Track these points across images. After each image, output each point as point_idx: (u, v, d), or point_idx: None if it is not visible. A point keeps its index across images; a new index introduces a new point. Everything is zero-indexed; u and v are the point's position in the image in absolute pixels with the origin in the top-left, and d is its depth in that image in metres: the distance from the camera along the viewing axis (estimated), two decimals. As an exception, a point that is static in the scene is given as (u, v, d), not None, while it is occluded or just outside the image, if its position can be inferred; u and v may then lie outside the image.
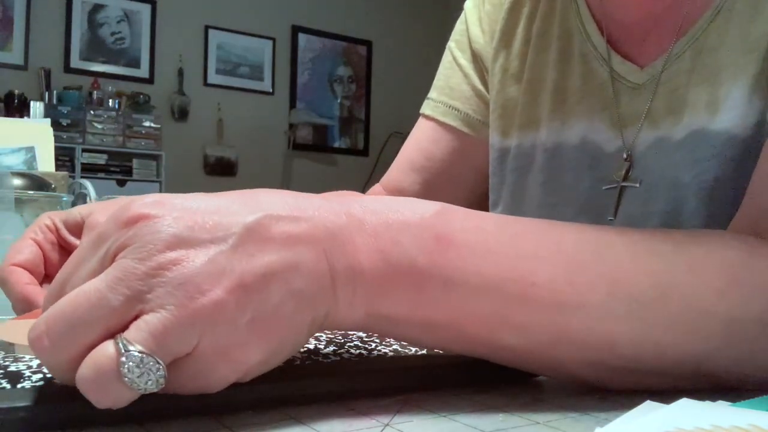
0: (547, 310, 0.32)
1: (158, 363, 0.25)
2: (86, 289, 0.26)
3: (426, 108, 0.72)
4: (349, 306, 0.30)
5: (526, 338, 0.32)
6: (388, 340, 0.42)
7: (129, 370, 0.25)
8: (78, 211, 0.43)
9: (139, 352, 0.25)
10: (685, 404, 0.27)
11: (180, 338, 0.25)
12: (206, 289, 0.26)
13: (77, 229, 0.42)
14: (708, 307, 0.33)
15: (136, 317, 0.25)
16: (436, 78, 0.72)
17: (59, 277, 0.29)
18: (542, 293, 0.32)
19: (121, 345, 0.25)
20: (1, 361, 0.35)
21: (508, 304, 0.31)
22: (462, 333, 0.32)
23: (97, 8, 4.19)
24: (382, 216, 0.31)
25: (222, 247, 0.27)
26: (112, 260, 0.27)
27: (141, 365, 0.25)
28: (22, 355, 0.36)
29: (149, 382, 0.25)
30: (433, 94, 0.72)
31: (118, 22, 4.26)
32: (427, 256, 0.31)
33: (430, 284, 0.31)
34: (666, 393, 0.31)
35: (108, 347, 0.25)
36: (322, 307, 0.29)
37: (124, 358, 0.25)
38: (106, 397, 0.25)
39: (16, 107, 3.75)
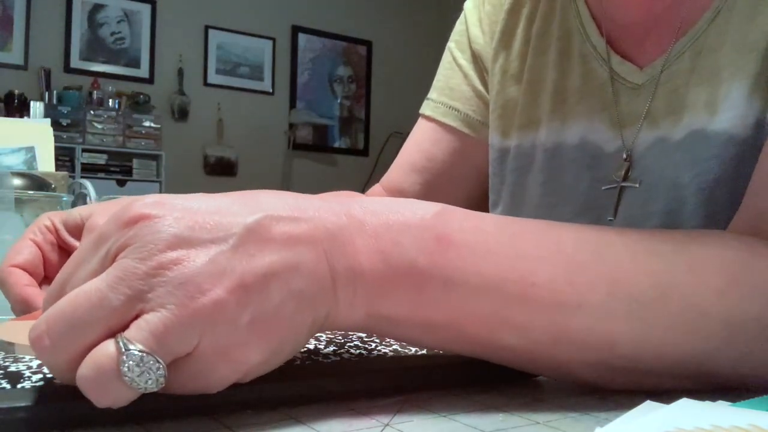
0: (547, 310, 0.32)
1: (158, 362, 0.25)
2: (87, 289, 0.26)
3: (426, 108, 0.72)
4: (350, 307, 0.30)
5: (526, 338, 0.32)
6: (388, 340, 0.42)
7: (129, 369, 0.25)
8: (78, 212, 0.43)
9: (140, 351, 0.25)
10: (685, 404, 0.27)
11: (180, 337, 0.26)
12: (207, 288, 0.26)
13: (77, 230, 0.42)
14: (708, 307, 0.33)
15: (136, 317, 0.26)
16: (435, 78, 0.72)
17: (59, 277, 0.29)
18: (542, 293, 0.32)
19: (121, 344, 0.25)
20: (1, 362, 0.35)
21: (508, 304, 0.31)
22: (462, 333, 0.32)
23: (97, 8, 4.19)
24: (383, 217, 0.31)
25: (222, 247, 0.27)
26: (113, 260, 0.27)
27: (141, 364, 0.25)
28: (22, 356, 0.36)
29: (149, 382, 0.25)
30: (432, 94, 0.72)
31: (118, 22, 4.26)
32: (428, 257, 0.31)
33: (430, 285, 0.31)
34: (666, 393, 0.31)
35: (108, 346, 0.25)
36: (323, 307, 0.29)
37: (124, 357, 0.25)
38: (106, 396, 0.25)
39: (16, 107, 3.75)
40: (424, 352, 0.39)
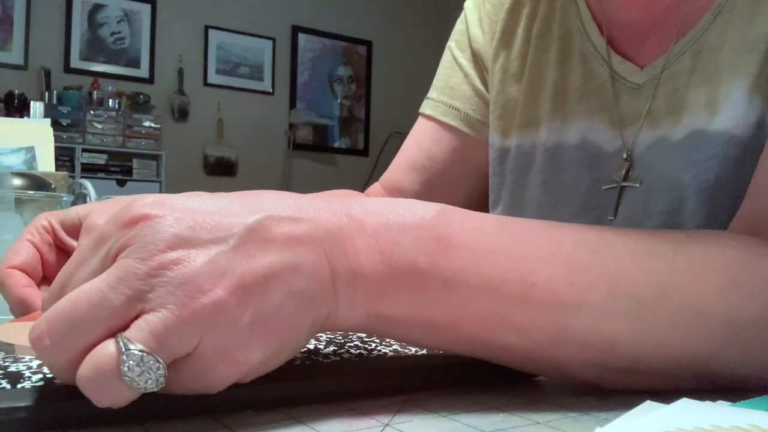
0: (546, 310, 0.32)
1: (158, 362, 0.25)
2: (87, 289, 0.26)
3: (426, 108, 0.72)
4: (350, 307, 0.30)
5: (526, 338, 0.32)
6: (388, 340, 0.42)
7: (129, 369, 0.25)
8: (75, 212, 0.43)
9: (140, 351, 0.25)
10: (685, 404, 0.27)
11: (181, 338, 0.26)
12: (207, 288, 0.26)
13: (74, 230, 0.42)
14: (707, 307, 0.33)
15: (137, 317, 0.26)
16: (435, 78, 0.72)
17: (60, 277, 0.29)
18: (542, 293, 0.32)
19: (121, 344, 0.25)
20: (1, 362, 0.35)
21: (508, 305, 0.31)
22: (462, 333, 0.32)
23: (97, 8, 4.19)
24: (383, 217, 0.31)
25: (223, 248, 0.27)
26: (113, 260, 0.27)
27: (141, 364, 0.25)
28: (22, 356, 0.36)
29: (149, 381, 0.25)
30: (432, 93, 0.72)
31: (118, 22, 4.26)
32: (428, 257, 0.31)
33: (430, 285, 0.31)
34: (666, 393, 0.31)
35: (109, 346, 0.25)
36: (323, 308, 0.29)
37: (124, 357, 0.25)
38: (106, 396, 0.25)
39: (16, 107, 3.75)
40: (424, 352, 0.39)
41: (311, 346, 0.40)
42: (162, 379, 0.25)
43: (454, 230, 0.32)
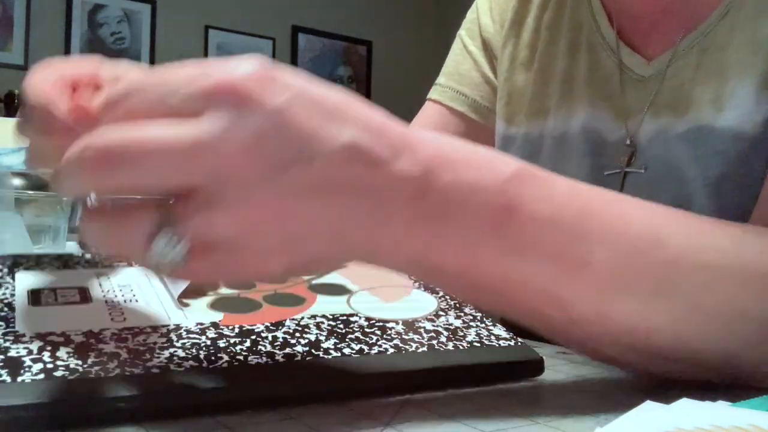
0: (594, 292, 0.32)
1: (183, 247, 0.26)
2: (160, 139, 0.26)
3: (433, 93, 0.72)
4: (395, 248, 0.30)
5: (568, 315, 0.32)
6: (389, 334, 0.42)
7: (157, 246, 0.26)
8: (124, 67, 0.40)
9: (176, 235, 0.26)
10: (685, 404, 0.27)
11: (219, 237, 0.27)
12: (256, 203, 0.26)
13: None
14: (747, 307, 0.34)
15: (186, 196, 0.26)
16: (445, 65, 0.72)
17: (131, 83, 0.27)
18: (594, 276, 0.32)
19: (163, 231, 0.26)
20: (1, 341, 0.33)
21: (558, 281, 0.32)
22: (504, 297, 0.32)
23: (97, 8, 4.19)
24: (458, 174, 0.30)
25: (292, 175, 0.26)
26: (189, 116, 0.26)
27: (169, 245, 0.26)
28: (22, 332, 0.35)
29: (172, 259, 0.26)
30: (441, 79, 0.72)
31: (118, 22, 4.26)
32: (490, 223, 0.31)
33: (484, 249, 0.31)
34: (666, 393, 0.31)
35: (146, 222, 0.27)
36: (366, 248, 0.30)
37: (159, 239, 0.26)
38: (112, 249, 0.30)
39: (17, 107, 3.75)
40: (425, 350, 0.39)
41: (312, 338, 0.40)
42: (183, 259, 0.26)
43: (524, 200, 0.31)
